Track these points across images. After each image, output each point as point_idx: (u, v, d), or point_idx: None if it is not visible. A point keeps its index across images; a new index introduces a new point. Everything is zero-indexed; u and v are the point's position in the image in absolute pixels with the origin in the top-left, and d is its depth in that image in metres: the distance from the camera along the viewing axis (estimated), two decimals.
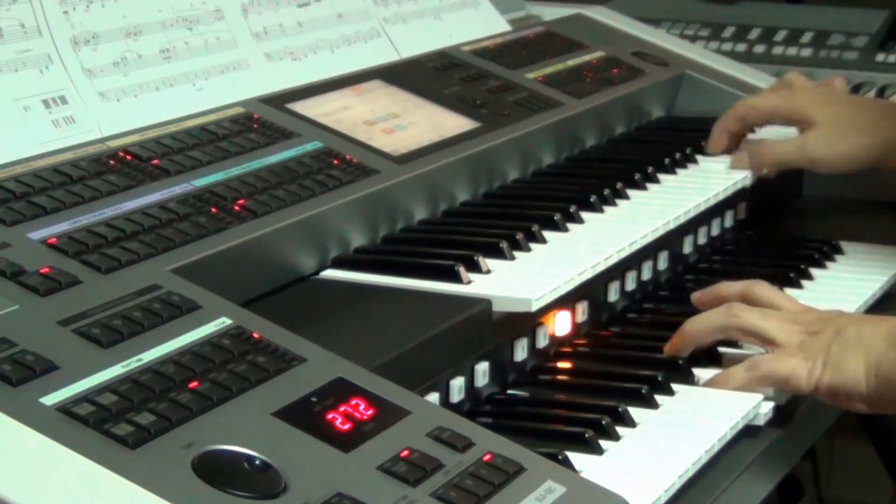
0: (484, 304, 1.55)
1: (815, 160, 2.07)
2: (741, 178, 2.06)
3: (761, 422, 1.60)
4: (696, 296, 1.76)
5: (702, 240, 2.08)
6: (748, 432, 1.58)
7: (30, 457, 1.12)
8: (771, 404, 1.61)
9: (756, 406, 1.59)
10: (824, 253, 2.09)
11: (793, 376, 1.61)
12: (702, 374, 1.67)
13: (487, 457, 1.24)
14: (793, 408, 1.67)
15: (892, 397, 1.58)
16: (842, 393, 1.60)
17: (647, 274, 1.93)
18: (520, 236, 1.72)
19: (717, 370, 1.67)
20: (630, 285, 1.89)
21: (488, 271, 1.62)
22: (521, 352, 1.65)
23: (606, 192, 1.91)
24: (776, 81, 2.31)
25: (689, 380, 1.65)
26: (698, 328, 1.68)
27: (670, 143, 2.18)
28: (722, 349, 1.71)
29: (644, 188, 1.99)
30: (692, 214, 1.93)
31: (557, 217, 1.80)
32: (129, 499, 1.10)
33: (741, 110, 2.15)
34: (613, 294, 1.85)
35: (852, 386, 1.59)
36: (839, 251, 2.12)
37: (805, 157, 2.08)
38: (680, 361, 1.67)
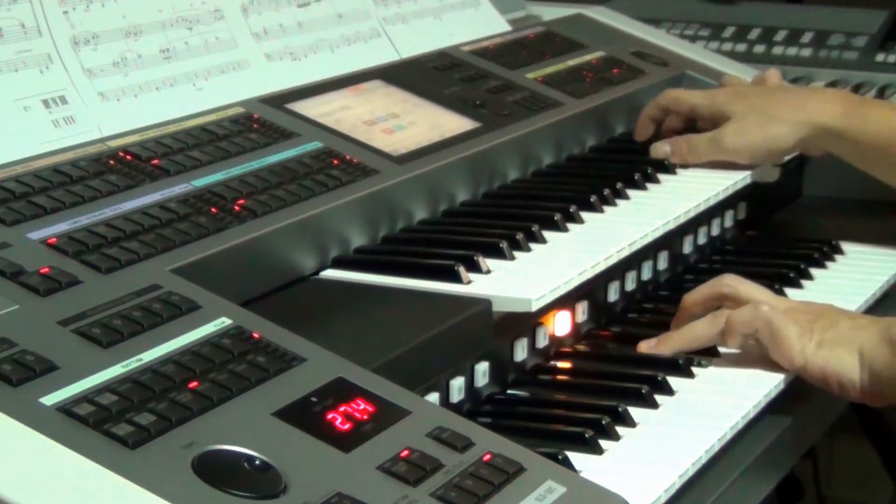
0: (484, 304, 1.55)
1: (730, 151, 2.07)
2: (741, 178, 2.06)
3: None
4: (673, 324, 1.77)
5: (702, 240, 2.08)
6: (751, 428, 1.58)
7: (30, 457, 1.12)
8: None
9: (757, 405, 1.59)
10: (824, 253, 2.09)
11: (787, 341, 1.64)
12: (701, 373, 1.67)
13: (487, 457, 1.24)
14: (796, 405, 1.67)
15: (880, 390, 1.63)
16: (834, 379, 1.64)
17: (647, 274, 1.93)
18: (520, 236, 1.72)
19: (716, 368, 1.68)
20: (630, 285, 1.89)
21: (488, 271, 1.62)
22: (521, 352, 1.65)
23: (606, 192, 1.91)
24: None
25: (689, 379, 1.65)
26: (699, 334, 1.70)
27: None
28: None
29: (644, 188, 1.99)
30: (692, 214, 1.93)
31: (557, 217, 1.80)
32: (129, 499, 1.10)
33: (664, 100, 2.17)
34: (613, 294, 1.85)
35: (847, 374, 1.63)
36: (839, 251, 2.12)
37: (719, 149, 2.07)
38: (680, 361, 1.67)
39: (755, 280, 1.78)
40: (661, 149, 2.10)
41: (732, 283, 1.74)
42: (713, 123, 2.10)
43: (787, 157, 2.13)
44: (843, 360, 1.63)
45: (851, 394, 1.64)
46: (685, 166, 2.10)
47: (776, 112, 2.07)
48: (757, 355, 1.69)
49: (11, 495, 1.07)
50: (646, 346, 1.70)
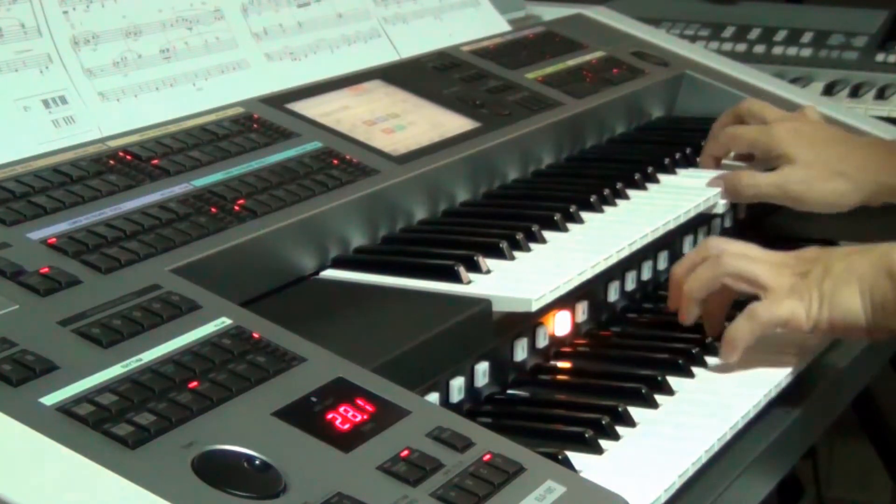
0: (484, 304, 1.55)
1: (793, 199, 2.05)
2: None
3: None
4: (669, 303, 1.77)
5: (702, 239, 2.08)
6: (750, 428, 1.58)
7: (30, 457, 1.12)
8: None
9: (757, 405, 1.59)
10: None
11: (793, 317, 1.65)
12: (701, 373, 1.67)
13: (487, 457, 1.24)
14: (795, 402, 1.67)
15: (887, 323, 1.63)
16: (841, 326, 1.65)
17: (647, 274, 1.93)
18: (520, 236, 1.72)
19: (716, 368, 1.68)
20: (630, 285, 1.89)
21: (488, 271, 1.62)
22: (521, 352, 1.65)
23: (606, 192, 1.91)
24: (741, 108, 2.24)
25: (689, 379, 1.65)
26: (693, 285, 1.72)
27: (670, 143, 2.18)
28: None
29: (644, 188, 1.99)
30: (692, 214, 1.93)
31: (557, 217, 1.80)
32: (129, 499, 1.10)
33: (724, 139, 2.13)
34: (613, 294, 1.85)
35: (852, 318, 1.64)
36: None
37: (784, 194, 2.05)
38: (680, 361, 1.67)
39: None
40: (717, 185, 2.05)
41: (713, 243, 1.74)
42: (768, 159, 2.09)
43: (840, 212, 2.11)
44: (846, 306, 1.64)
45: (858, 334, 1.66)
46: (685, 167, 2.10)
47: (843, 168, 2.03)
48: (757, 355, 1.69)
49: (11, 495, 1.07)
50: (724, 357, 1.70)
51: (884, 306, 1.62)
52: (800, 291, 1.66)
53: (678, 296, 1.74)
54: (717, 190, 2.00)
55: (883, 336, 1.67)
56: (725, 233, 2.15)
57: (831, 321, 1.65)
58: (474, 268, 1.62)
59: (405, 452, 1.22)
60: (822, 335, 1.67)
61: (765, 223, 2.27)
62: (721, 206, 2.01)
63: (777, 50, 3.00)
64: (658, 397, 1.58)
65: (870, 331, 1.65)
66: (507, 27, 2.40)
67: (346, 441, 1.22)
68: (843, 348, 1.84)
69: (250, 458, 1.17)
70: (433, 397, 1.47)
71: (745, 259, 1.70)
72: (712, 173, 2.07)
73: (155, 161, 1.61)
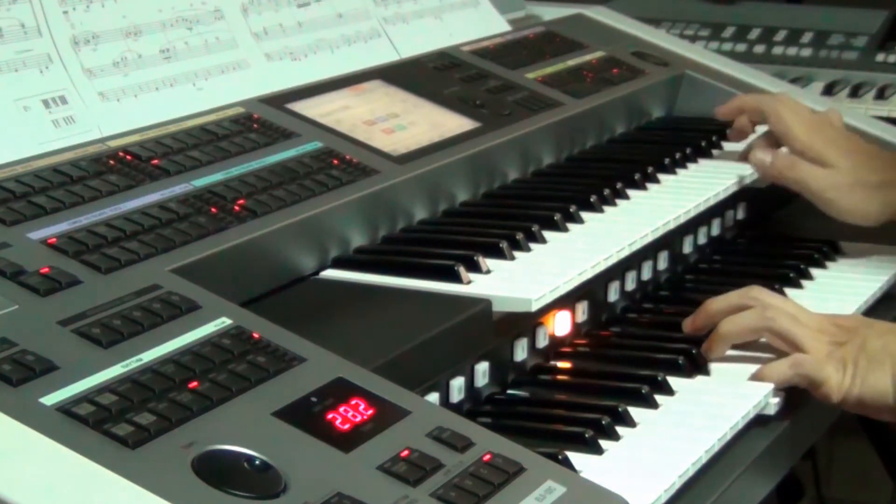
0: (484, 304, 1.55)
1: (824, 202, 2.05)
2: (740, 179, 2.06)
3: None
4: (688, 322, 1.76)
5: (702, 240, 2.08)
6: (750, 428, 1.58)
7: (30, 457, 1.12)
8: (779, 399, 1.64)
9: (757, 405, 1.59)
10: (824, 253, 2.09)
11: (827, 384, 1.64)
12: (700, 373, 1.67)
13: (487, 457, 1.24)
14: (795, 405, 1.67)
15: None
16: (870, 405, 1.64)
17: (647, 274, 1.93)
18: (520, 236, 1.72)
19: (713, 373, 1.68)
20: (630, 285, 1.89)
21: (488, 271, 1.62)
22: (521, 352, 1.65)
23: (606, 192, 1.91)
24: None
25: (689, 379, 1.65)
26: (732, 329, 1.70)
27: (670, 143, 2.18)
28: None
29: (644, 188, 1.99)
30: (692, 214, 1.93)
31: (557, 217, 1.80)
32: (129, 499, 1.10)
33: (766, 106, 2.12)
34: (613, 294, 1.85)
35: (880, 399, 1.63)
36: (839, 251, 2.12)
37: (818, 195, 2.05)
38: (680, 361, 1.67)
39: (756, 281, 1.78)
40: (759, 157, 2.07)
41: (759, 296, 1.72)
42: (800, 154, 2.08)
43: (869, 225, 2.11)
44: (877, 386, 1.63)
45: (885, 414, 1.65)
46: (685, 167, 2.10)
47: (875, 179, 2.04)
48: (757, 356, 1.69)
49: (11, 495, 1.07)
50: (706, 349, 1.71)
51: None
52: (836, 361, 1.65)
53: (704, 325, 1.73)
54: (718, 190, 2.00)
55: None
56: (724, 233, 2.15)
57: (860, 398, 1.64)
58: (474, 268, 1.62)
59: (405, 452, 1.22)
60: (849, 408, 1.66)
61: (765, 223, 2.27)
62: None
63: (777, 50, 3.00)
64: (658, 397, 1.58)
65: None
66: (507, 27, 2.40)
67: (346, 441, 1.22)
68: None
69: (250, 458, 1.17)
70: (433, 397, 1.47)
71: (791, 320, 1.69)
72: (713, 170, 2.07)
73: (155, 161, 1.61)
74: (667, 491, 1.37)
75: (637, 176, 1.99)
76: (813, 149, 2.06)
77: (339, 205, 1.66)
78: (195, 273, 1.42)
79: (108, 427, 1.16)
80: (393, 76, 2.03)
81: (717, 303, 1.73)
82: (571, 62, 2.31)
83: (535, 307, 1.56)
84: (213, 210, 1.54)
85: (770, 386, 1.63)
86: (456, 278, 1.59)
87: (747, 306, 1.71)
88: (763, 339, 1.71)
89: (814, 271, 2.03)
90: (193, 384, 1.24)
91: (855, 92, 2.83)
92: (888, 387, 1.63)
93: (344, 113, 1.87)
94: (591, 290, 1.78)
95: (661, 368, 1.64)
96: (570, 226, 1.81)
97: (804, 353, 1.66)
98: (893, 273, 2.03)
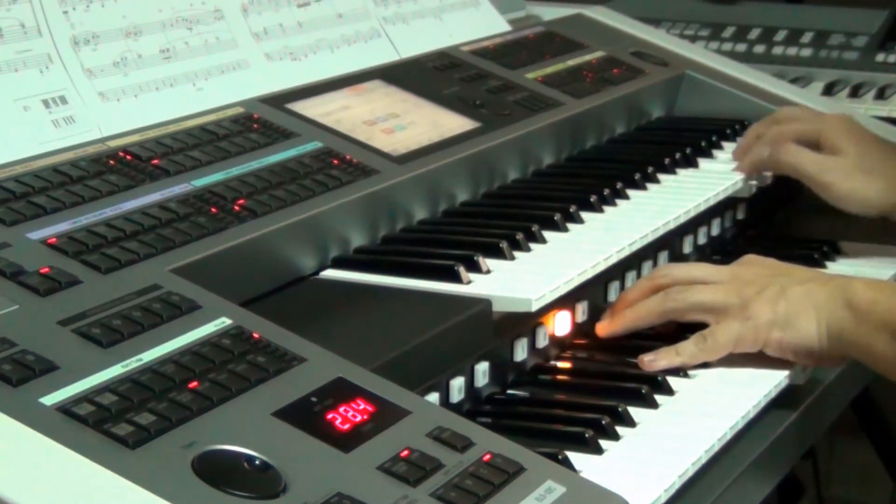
0: (484, 304, 1.55)
1: (824, 186, 2.05)
2: (740, 178, 2.06)
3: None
4: (604, 325, 1.77)
5: (702, 240, 2.08)
6: (750, 428, 1.58)
7: (30, 457, 1.12)
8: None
9: (756, 405, 1.59)
10: (824, 253, 2.09)
11: (740, 341, 1.68)
12: (701, 373, 1.67)
13: (487, 457, 1.24)
14: (795, 402, 1.68)
15: (841, 352, 1.67)
16: (791, 348, 1.67)
17: (646, 274, 1.93)
18: (520, 236, 1.72)
19: (716, 369, 1.68)
20: (630, 285, 1.89)
21: (488, 271, 1.62)
22: (521, 352, 1.65)
23: (606, 192, 1.91)
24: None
25: (689, 379, 1.65)
26: (639, 315, 1.73)
27: (670, 143, 2.18)
28: None
29: (644, 188, 1.99)
30: (692, 214, 1.93)
31: (557, 217, 1.80)
32: (129, 499, 1.10)
33: (774, 134, 2.11)
34: (613, 294, 1.84)
35: (806, 343, 1.66)
36: (839, 251, 2.12)
37: (818, 180, 2.05)
38: None
39: None
40: (757, 150, 2.08)
41: (668, 271, 1.77)
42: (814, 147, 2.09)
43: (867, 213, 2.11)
44: (802, 332, 1.66)
45: (806, 359, 1.68)
46: (685, 167, 2.10)
47: (882, 169, 2.04)
48: (757, 356, 1.69)
49: (11, 495, 1.07)
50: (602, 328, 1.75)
51: (840, 337, 1.65)
52: (752, 310, 1.67)
53: (618, 320, 1.75)
54: (718, 190, 2.00)
55: (829, 364, 1.72)
56: (724, 233, 2.15)
57: (781, 341, 1.67)
58: (474, 268, 1.62)
59: (405, 452, 1.22)
60: (769, 351, 1.68)
61: (765, 223, 2.27)
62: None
63: (777, 50, 3.00)
64: (658, 397, 1.58)
65: (820, 358, 1.68)
66: (507, 27, 2.40)
67: (346, 441, 1.22)
68: None
69: (250, 458, 1.17)
70: (433, 397, 1.47)
71: (691, 290, 1.72)
72: (712, 170, 2.07)
73: (155, 161, 1.61)
74: (667, 491, 1.37)
75: (637, 176, 1.99)
76: (826, 138, 2.08)
77: (339, 205, 1.66)
78: (195, 273, 1.42)
79: (108, 427, 1.16)
80: (393, 76, 2.03)
81: (631, 292, 1.77)
82: (571, 62, 2.31)
83: (535, 307, 1.56)
84: (213, 210, 1.54)
85: (770, 386, 1.63)
86: (456, 278, 1.59)
87: (660, 286, 1.74)
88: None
89: None
90: (193, 384, 1.24)
91: (855, 92, 2.83)
92: (813, 332, 1.65)
93: (344, 113, 1.87)
94: (591, 290, 1.78)
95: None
96: (570, 226, 1.81)
97: (717, 316, 1.69)
98: (893, 273, 2.03)
